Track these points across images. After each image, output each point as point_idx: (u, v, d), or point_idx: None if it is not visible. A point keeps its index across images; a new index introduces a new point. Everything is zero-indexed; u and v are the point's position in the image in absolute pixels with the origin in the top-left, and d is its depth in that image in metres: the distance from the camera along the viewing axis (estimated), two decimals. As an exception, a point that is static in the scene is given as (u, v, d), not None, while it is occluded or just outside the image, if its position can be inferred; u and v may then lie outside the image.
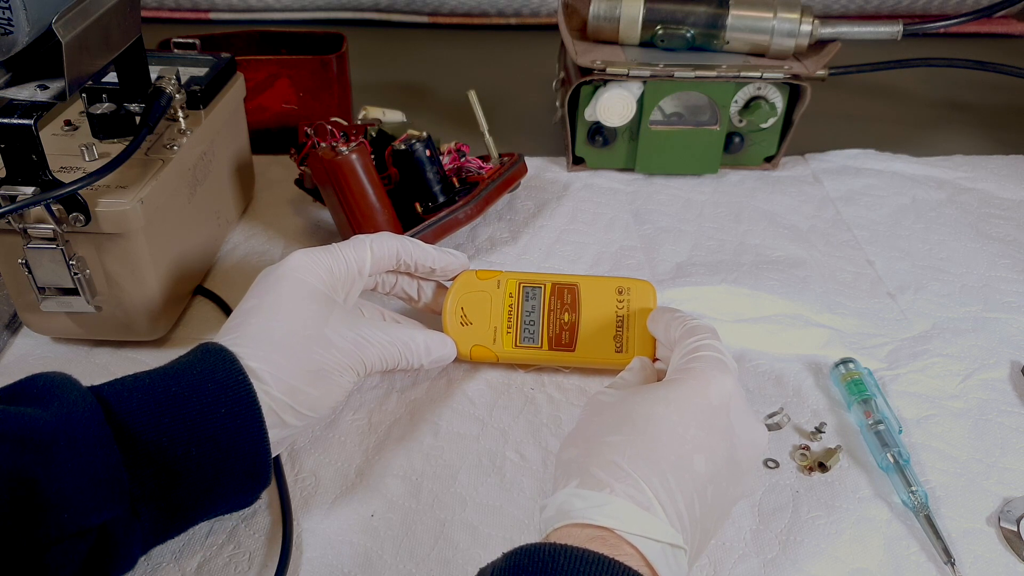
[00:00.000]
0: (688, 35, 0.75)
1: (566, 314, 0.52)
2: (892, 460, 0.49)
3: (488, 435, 0.52)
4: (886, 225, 0.73)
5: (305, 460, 0.50)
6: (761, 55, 0.76)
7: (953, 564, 0.44)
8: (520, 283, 0.53)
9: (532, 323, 0.52)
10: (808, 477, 0.50)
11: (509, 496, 0.48)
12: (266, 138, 0.80)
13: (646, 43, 0.77)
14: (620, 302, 0.52)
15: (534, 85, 0.97)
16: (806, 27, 0.74)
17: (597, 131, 0.77)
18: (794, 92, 0.76)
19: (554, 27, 0.81)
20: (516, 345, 0.52)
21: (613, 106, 0.73)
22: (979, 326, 0.61)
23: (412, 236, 0.62)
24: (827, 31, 0.76)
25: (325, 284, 0.49)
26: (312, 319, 0.47)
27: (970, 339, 0.60)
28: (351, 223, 0.62)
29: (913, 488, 0.47)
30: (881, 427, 0.50)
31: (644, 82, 0.74)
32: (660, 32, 0.76)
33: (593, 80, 0.74)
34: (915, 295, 0.64)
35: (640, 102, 0.74)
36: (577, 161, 0.80)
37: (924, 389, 0.56)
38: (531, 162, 0.79)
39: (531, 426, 0.53)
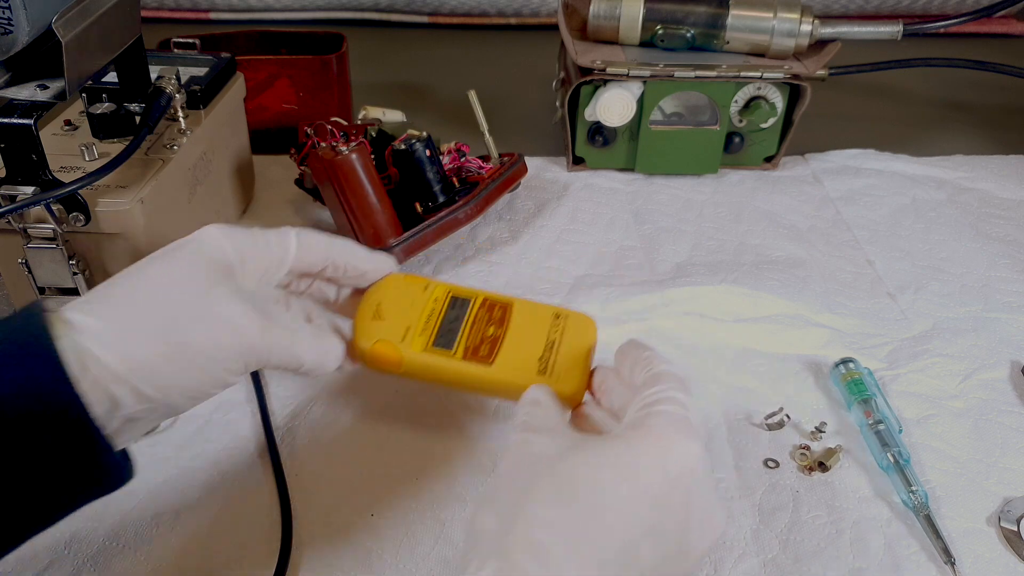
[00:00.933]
0: (688, 35, 0.75)
1: (492, 328, 0.46)
2: (892, 460, 0.49)
3: (489, 435, 0.52)
4: (886, 225, 0.73)
5: (305, 460, 0.50)
6: (761, 55, 0.76)
7: (953, 564, 0.44)
8: (450, 292, 0.48)
9: (451, 330, 0.45)
10: (808, 477, 0.50)
11: (509, 496, 0.48)
12: (266, 138, 0.80)
13: (646, 43, 0.77)
14: (554, 327, 0.46)
15: (534, 85, 0.97)
16: (806, 27, 0.74)
17: (597, 131, 0.77)
18: (794, 92, 0.76)
19: (554, 27, 0.82)
20: (427, 348, 0.44)
21: (613, 106, 0.73)
22: (979, 326, 0.61)
23: (412, 236, 0.62)
24: (827, 31, 0.76)
25: (231, 262, 0.41)
26: (194, 286, 0.38)
27: (970, 339, 0.60)
28: (351, 223, 0.62)
29: (913, 488, 0.47)
30: (881, 427, 0.50)
31: (644, 82, 0.74)
32: (660, 32, 0.76)
33: (593, 80, 0.74)
34: (915, 295, 0.64)
35: (640, 102, 0.74)
36: (577, 161, 0.80)
37: (924, 389, 0.56)
38: (531, 162, 0.79)
39: (531, 426, 0.53)
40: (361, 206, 0.61)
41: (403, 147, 0.64)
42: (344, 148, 0.60)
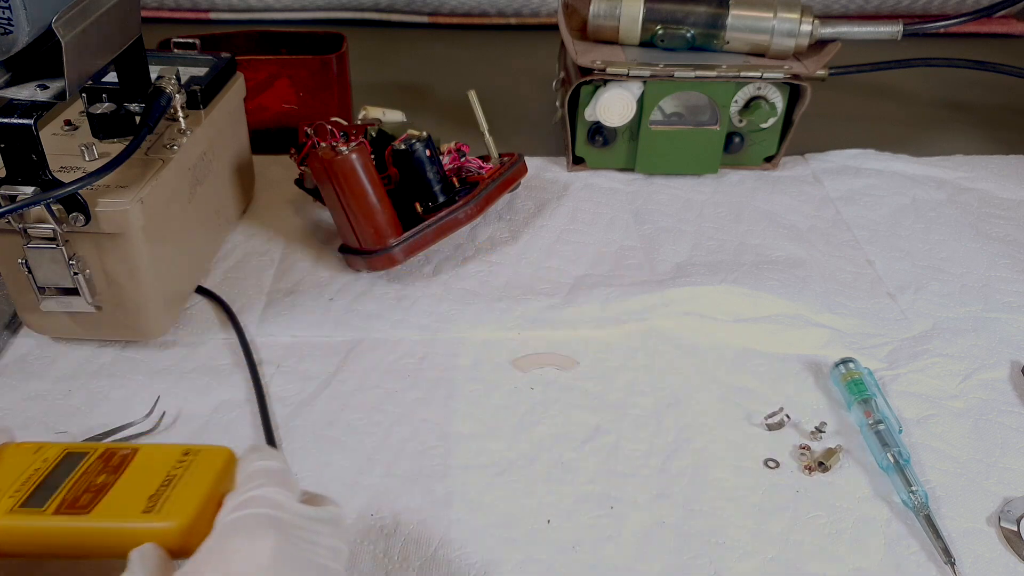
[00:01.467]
0: (688, 35, 0.75)
1: (103, 476, 0.41)
2: (892, 460, 0.49)
3: (490, 435, 0.52)
4: (886, 225, 0.73)
5: (305, 460, 0.50)
6: (761, 55, 0.76)
7: (953, 564, 0.44)
8: (65, 450, 0.43)
9: (51, 487, 0.40)
10: (808, 477, 0.50)
11: (511, 496, 0.48)
12: (266, 138, 0.80)
13: (646, 43, 0.77)
14: (180, 463, 0.42)
15: (534, 85, 0.97)
16: (806, 27, 0.74)
17: (597, 131, 0.77)
18: (794, 92, 0.76)
19: (554, 27, 0.82)
20: (12, 510, 0.38)
21: (613, 106, 0.73)
22: (979, 326, 0.61)
23: (412, 236, 0.62)
24: (827, 31, 0.76)
25: None
26: None
27: (970, 339, 0.60)
28: (351, 223, 0.62)
29: (913, 488, 0.47)
30: (881, 427, 0.50)
31: (644, 82, 0.74)
32: (660, 32, 0.76)
33: (593, 80, 0.74)
34: (915, 295, 0.64)
35: (640, 102, 0.74)
36: (577, 161, 0.80)
37: (924, 389, 0.56)
38: (531, 162, 0.79)
39: (533, 426, 0.53)
40: (361, 206, 0.61)
41: (403, 147, 0.64)
42: (344, 148, 0.60)
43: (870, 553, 0.45)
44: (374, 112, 0.75)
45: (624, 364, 0.57)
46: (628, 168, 0.80)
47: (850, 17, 1.17)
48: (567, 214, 0.74)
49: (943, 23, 0.83)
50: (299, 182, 0.71)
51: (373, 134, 0.69)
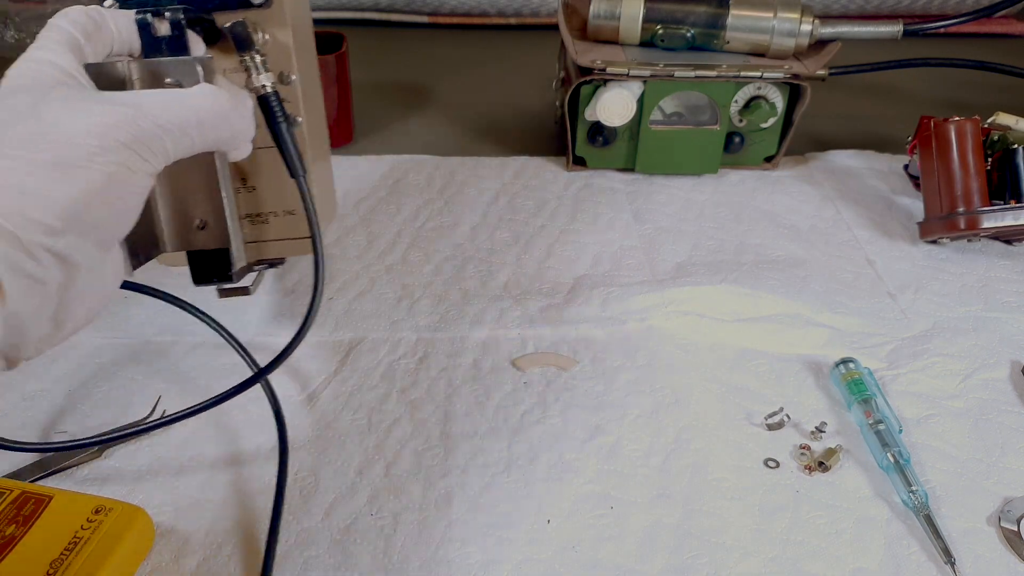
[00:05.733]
0: (688, 35, 0.75)
1: (12, 527, 0.40)
2: (892, 460, 0.49)
3: (491, 434, 0.52)
4: (886, 224, 0.73)
5: (305, 460, 0.50)
6: (761, 55, 0.76)
7: (953, 564, 0.44)
8: None
9: None
10: (808, 477, 0.50)
11: (512, 496, 0.48)
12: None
13: (646, 43, 0.77)
14: (90, 521, 0.40)
15: (534, 85, 0.97)
16: (806, 27, 0.74)
17: (597, 131, 0.77)
18: (794, 92, 0.76)
19: (554, 27, 0.81)
20: None
21: (613, 106, 0.73)
22: (979, 326, 0.61)
23: (985, 213, 0.65)
24: (827, 31, 0.76)
25: (68, 66, 0.35)
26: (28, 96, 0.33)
27: (970, 339, 0.60)
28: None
29: (913, 488, 0.47)
30: (881, 427, 0.50)
31: (644, 82, 0.74)
32: (660, 32, 0.76)
33: (593, 80, 0.74)
34: (915, 295, 0.64)
35: (640, 102, 0.74)
36: (577, 161, 0.80)
37: (924, 389, 0.56)
38: (531, 162, 0.79)
39: (533, 426, 0.53)
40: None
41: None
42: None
43: (870, 553, 0.45)
44: (1004, 119, 0.70)
45: (624, 364, 0.57)
46: (628, 168, 0.80)
47: (850, 17, 1.17)
48: (567, 214, 0.74)
49: (943, 23, 0.83)
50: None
51: (995, 138, 0.68)
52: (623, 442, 0.52)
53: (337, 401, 0.54)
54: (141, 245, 0.41)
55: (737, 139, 0.78)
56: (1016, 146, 0.66)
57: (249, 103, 0.40)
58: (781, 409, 0.53)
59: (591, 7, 0.76)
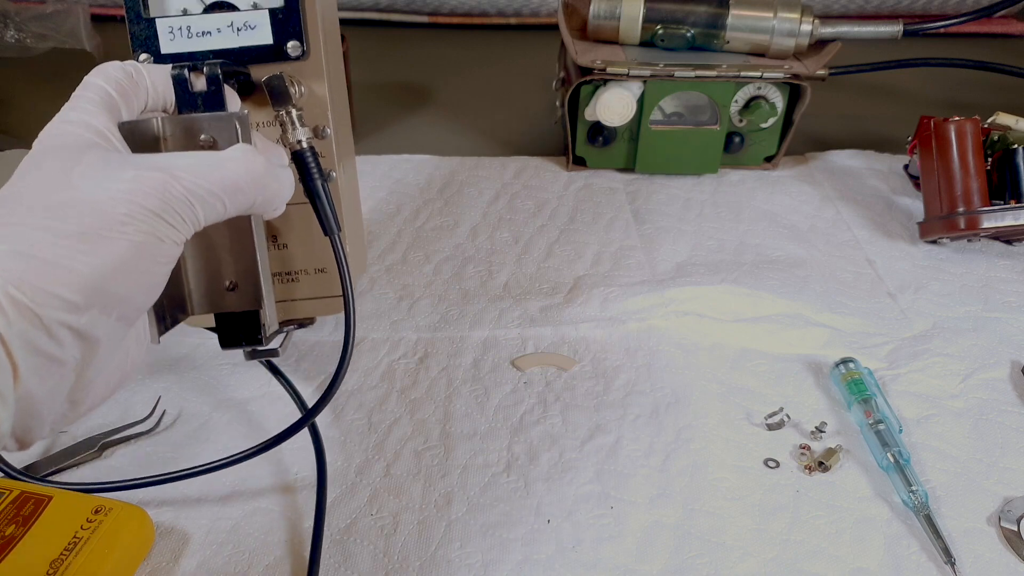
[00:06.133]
0: (688, 35, 0.75)
1: (11, 527, 0.40)
2: (892, 460, 0.49)
3: (491, 434, 0.52)
4: (886, 224, 0.73)
5: (305, 460, 0.50)
6: (761, 55, 0.76)
7: (953, 564, 0.44)
8: None
9: None
10: (808, 477, 0.50)
11: (512, 496, 0.48)
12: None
13: (646, 43, 0.77)
14: (90, 522, 0.41)
15: (534, 85, 0.97)
16: (806, 27, 0.74)
17: (597, 131, 0.77)
18: (794, 92, 0.76)
19: (554, 27, 0.82)
20: None
21: (613, 106, 0.73)
22: (979, 326, 0.61)
23: (984, 213, 0.65)
24: (827, 31, 0.76)
25: (102, 127, 0.35)
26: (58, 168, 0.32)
27: (970, 339, 0.60)
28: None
29: (913, 488, 0.47)
30: (881, 427, 0.50)
31: (644, 82, 0.74)
32: (660, 32, 0.76)
33: (593, 80, 0.74)
34: (915, 295, 0.64)
35: (640, 102, 0.74)
36: (577, 161, 0.80)
37: (924, 389, 0.56)
38: (531, 162, 0.79)
39: (533, 426, 0.53)
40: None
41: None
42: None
43: (870, 553, 0.45)
44: (1004, 119, 0.70)
45: (624, 364, 0.57)
46: (628, 168, 0.80)
47: (850, 17, 1.17)
48: (567, 214, 0.74)
49: (943, 23, 0.83)
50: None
51: (995, 138, 0.68)
52: (623, 442, 0.52)
53: (337, 401, 0.54)
54: (168, 309, 0.39)
55: (737, 139, 0.78)
56: (1016, 146, 0.66)
57: (286, 162, 0.39)
58: (781, 409, 0.53)
59: (591, 7, 0.76)
